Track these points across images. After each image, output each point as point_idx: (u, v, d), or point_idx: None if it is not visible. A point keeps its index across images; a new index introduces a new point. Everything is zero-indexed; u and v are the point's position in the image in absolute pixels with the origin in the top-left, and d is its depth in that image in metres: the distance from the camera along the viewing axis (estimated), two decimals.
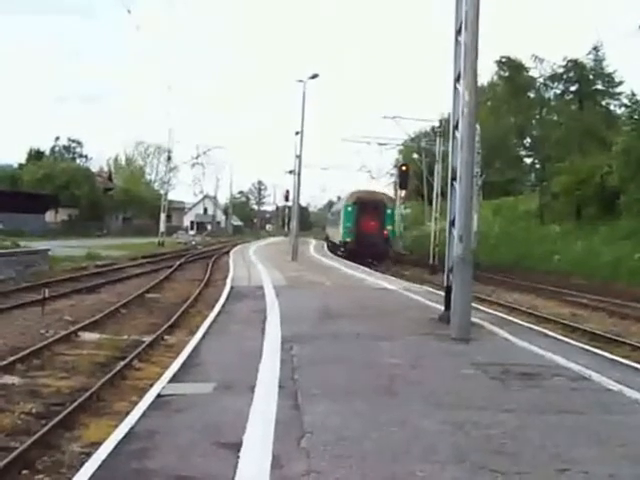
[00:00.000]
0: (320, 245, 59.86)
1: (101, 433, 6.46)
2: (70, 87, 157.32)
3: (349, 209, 39.90)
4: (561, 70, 44.30)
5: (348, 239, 39.29)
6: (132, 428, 5.81)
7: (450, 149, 12.89)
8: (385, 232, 39.14)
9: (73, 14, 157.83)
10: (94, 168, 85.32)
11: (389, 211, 40.44)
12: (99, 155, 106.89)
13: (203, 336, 10.64)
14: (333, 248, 46.29)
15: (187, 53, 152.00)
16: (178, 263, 32.61)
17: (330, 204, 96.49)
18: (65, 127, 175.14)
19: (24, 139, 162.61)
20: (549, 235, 37.62)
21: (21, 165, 75.89)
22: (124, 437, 5.57)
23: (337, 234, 43.32)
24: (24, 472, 5.87)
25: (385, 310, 14.66)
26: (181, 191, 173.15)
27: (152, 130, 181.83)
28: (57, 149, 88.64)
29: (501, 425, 6.05)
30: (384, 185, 73.99)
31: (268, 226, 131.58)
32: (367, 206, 39.04)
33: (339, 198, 62.07)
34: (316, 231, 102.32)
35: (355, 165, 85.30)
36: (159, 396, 6.89)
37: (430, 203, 49.23)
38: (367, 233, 37.91)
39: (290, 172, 47.97)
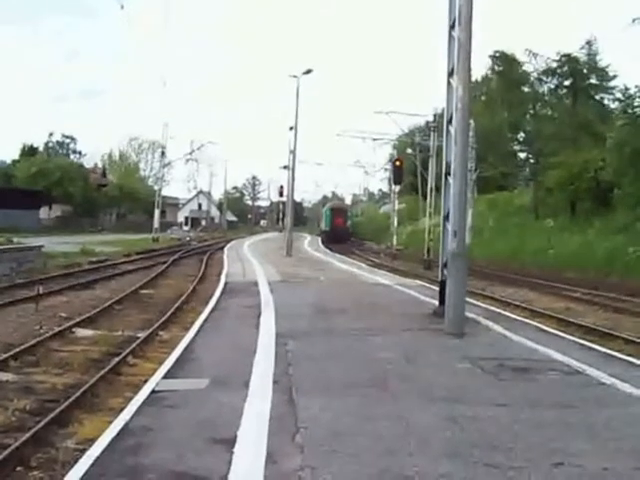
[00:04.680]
0: (315, 240, 60.12)
1: (95, 429, 6.44)
2: (67, 84, 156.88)
3: (327, 212, 71.64)
4: (555, 65, 44.24)
5: (327, 229, 68.45)
6: (126, 424, 5.81)
7: (444, 144, 12.89)
8: (347, 225, 69.48)
9: (73, 14, 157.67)
10: (88, 164, 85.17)
11: (349, 214, 73.77)
12: (93, 151, 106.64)
13: (197, 332, 10.64)
14: (320, 235, 70.57)
15: (182, 49, 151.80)
16: (172, 259, 32.59)
17: (324, 200, 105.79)
18: (60, 124, 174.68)
19: (19, 135, 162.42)
20: (543, 229, 37.57)
21: (14, 161, 75.55)
22: (118, 433, 5.57)
23: (322, 226, 73.69)
24: (18, 469, 5.86)
25: (379, 305, 14.68)
26: (175, 187, 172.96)
27: (146, 126, 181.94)
28: (51, 145, 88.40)
29: (495, 419, 6.06)
30: (379, 180, 79.81)
31: (262, 221, 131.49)
32: (337, 211, 71.01)
33: (335, 195, 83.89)
34: (311, 226, 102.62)
35: (349, 160, 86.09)
36: (153, 392, 6.89)
37: (425, 198, 49.20)
38: (337, 226, 67.31)
39: (284, 167, 48.02)
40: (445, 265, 12.05)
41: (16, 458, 5.94)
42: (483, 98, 53.85)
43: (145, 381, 7.69)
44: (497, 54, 49.57)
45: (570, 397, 7.01)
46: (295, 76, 35.50)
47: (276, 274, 22.28)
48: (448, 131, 12.26)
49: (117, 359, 9.86)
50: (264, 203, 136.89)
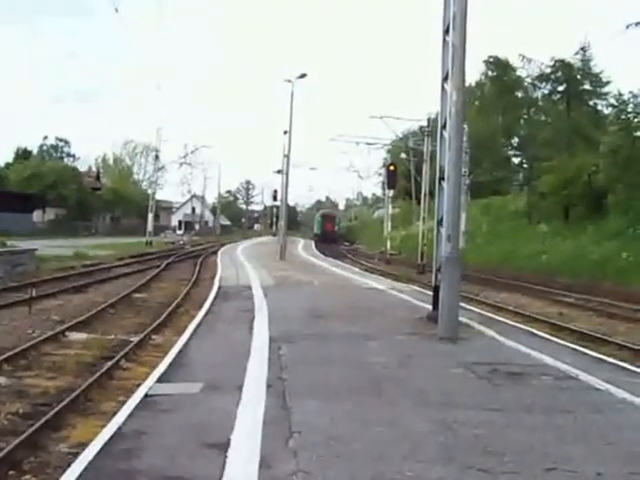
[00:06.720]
0: (308, 244, 60.16)
1: (88, 433, 6.42)
2: (63, 86, 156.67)
3: (318, 218, 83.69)
4: (549, 70, 44.32)
5: (318, 232, 78.51)
6: (119, 428, 5.79)
7: (438, 149, 12.91)
8: (335, 229, 79.53)
9: (70, 16, 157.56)
10: (82, 168, 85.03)
11: (337, 219, 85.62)
12: (87, 154, 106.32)
13: (191, 336, 10.62)
14: (313, 238, 76.53)
15: (177, 52, 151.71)
16: (166, 263, 32.54)
17: (318, 205, 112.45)
18: (54, 126, 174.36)
19: (12, 138, 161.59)
20: (537, 234, 37.66)
21: (8, 164, 75.38)
22: (111, 437, 5.54)
23: (315, 229, 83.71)
24: (11, 473, 5.82)
25: (373, 310, 14.67)
26: (169, 191, 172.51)
27: (141, 129, 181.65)
28: (45, 148, 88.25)
29: (489, 424, 6.06)
30: (373, 184, 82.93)
31: (256, 226, 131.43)
32: (327, 217, 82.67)
33: (329, 200, 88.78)
34: (304, 230, 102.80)
35: (343, 165, 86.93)
36: (147, 396, 6.87)
37: (418, 203, 49.26)
38: (326, 230, 77.45)
39: (278, 172, 48.13)
40: (439, 270, 12.06)
41: (9, 462, 5.91)
42: (477, 103, 53.96)
43: (138, 385, 7.66)
44: (491, 59, 49.74)
45: (563, 402, 7.02)
46: (289, 80, 35.56)
47: (269, 278, 22.27)
48: (442, 136, 12.28)
49: (110, 363, 9.82)
50: (258, 207, 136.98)
